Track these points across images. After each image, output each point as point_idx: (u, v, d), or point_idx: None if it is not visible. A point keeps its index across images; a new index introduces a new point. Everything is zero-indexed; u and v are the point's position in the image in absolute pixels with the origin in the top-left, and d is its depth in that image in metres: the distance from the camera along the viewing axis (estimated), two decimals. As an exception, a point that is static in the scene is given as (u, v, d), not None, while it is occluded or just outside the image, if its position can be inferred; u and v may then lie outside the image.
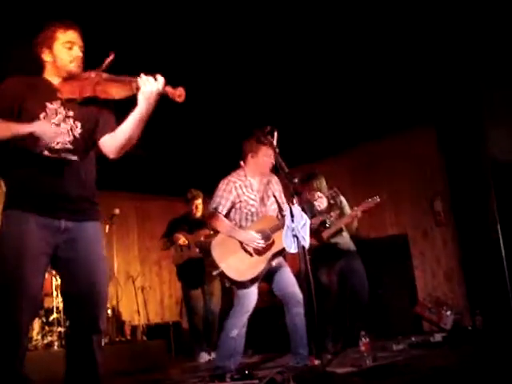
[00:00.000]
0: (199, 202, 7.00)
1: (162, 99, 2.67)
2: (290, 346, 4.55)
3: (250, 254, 4.39)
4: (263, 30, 5.27)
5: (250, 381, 2.94)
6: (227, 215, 4.53)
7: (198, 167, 8.59)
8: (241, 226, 4.53)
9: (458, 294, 7.33)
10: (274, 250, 4.42)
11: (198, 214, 6.99)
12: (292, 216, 3.71)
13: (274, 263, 4.49)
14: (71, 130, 2.75)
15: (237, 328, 4.31)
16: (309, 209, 3.94)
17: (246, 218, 4.55)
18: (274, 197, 4.67)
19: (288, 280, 4.53)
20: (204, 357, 6.67)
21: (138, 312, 8.22)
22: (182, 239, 6.78)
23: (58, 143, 2.69)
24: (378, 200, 6.01)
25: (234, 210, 4.55)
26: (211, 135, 7.39)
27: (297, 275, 4.36)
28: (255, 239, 4.37)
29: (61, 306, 6.42)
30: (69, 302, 2.79)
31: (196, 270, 6.77)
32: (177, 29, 5.08)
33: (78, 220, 2.71)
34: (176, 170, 8.55)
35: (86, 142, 2.81)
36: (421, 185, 7.75)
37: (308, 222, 3.71)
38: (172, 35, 5.15)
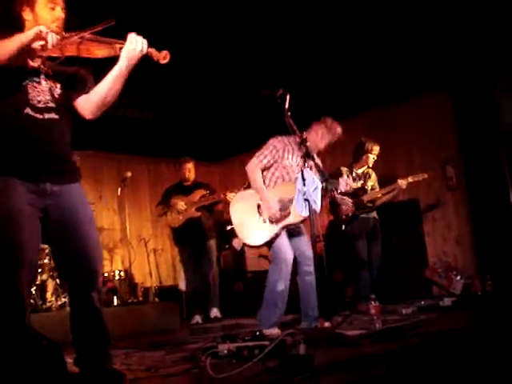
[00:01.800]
0: (190, 165, 7.19)
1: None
2: (300, 309, 4.61)
3: (263, 221, 4.46)
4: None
5: (260, 342, 2.97)
6: (265, 169, 4.67)
7: (210, 130, 8.59)
8: (270, 181, 4.65)
9: (469, 259, 7.33)
10: (288, 221, 4.47)
11: (191, 179, 7.19)
12: (303, 180, 3.71)
13: (292, 230, 4.61)
14: (51, 89, 2.74)
15: (281, 280, 4.39)
16: (320, 173, 3.92)
17: (276, 182, 4.64)
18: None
19: (303, 243, 4.65)
20: (196, 319, 6.85)
21: (150, 274, 8.32)
22: (180, 202, 6.91)
23: (40, 102, 2.66)
24: (426, 176, 6.48)
25: (272, 165, 4.66)
26: (223, 98, 7.37)
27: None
28: (273, 209, 4.44)
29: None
30: (64, 264, 2.78)
31: (194, 230, 6.94)
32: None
33: (62, 182, 2.70)
34: (188, 132, 8.55)
35: (65, 103, 2.79)
36: (433, 149, 7.70)
37: (320, 185, 3.72)
38: None
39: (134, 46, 2.59)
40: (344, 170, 6.47)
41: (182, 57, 6.18)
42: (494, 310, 4.93)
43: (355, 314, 5.52)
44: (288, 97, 4.07)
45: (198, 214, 6.88)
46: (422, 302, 5.83)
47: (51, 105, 2.71)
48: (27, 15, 2.76)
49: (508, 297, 5.63)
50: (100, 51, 2.69)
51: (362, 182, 6.51)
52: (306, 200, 3.69)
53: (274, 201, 4.47)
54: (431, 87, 7.50)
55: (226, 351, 2.99)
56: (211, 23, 5.58)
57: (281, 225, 4.45)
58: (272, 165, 4.64)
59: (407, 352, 2.86)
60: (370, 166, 6.57)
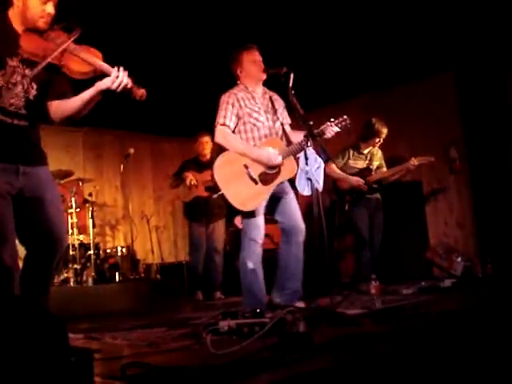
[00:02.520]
0: (206, 139, 7.06)
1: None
2: (275, 281, 4.34)
3: (255, 182, 4.09)
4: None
5: (260, 319, 2.99)
6: (234, 130, 4.27)
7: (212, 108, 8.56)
8: (247, 139, 4.26)
9: (470, 241, 7.36)
10: (280, 179, 4.17)
11: (207, 153, 7.10)
12: (306, 159, 3.70)
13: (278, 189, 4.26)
14: (26, 92, 2.76)
15: (250, 259, 4.15)
16: (323, 152, 3.87)
17: (252, 130, 4.26)
18: (279, 115, 4.43)
19: (291, 211, 4.31)
20: (198, 295, 6.89)
21: (152, 251, 8.36)
22: (191, 177, 6.90)
23: (11, 105, 2.71)
24: (433, 160, 6.49)
25: (238, 123, 4.28)
26: (226, 75, 7.34)
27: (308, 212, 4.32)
28: (273, 157, 4.07)
29: (77, 243, 6.55)
30: (32, 233, 2.87)
31: (202, 209, 6.94)
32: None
33: (33, 164, 2.83)
34: (191, 111, 8.51)
35: (40, 105, 2.84)
36: (437, 131, 7.69)
37: (322, 165, 3.71)
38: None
39: (116, 85, 2.64)
40: (351, 151, 6.45)
41: (187, 40, 6.20)
42: (493, 292, 4.95)
43: (356, 293, 5.55)
44: (292, 75, 4.04)
45: (206, 194, 6.82)
46: (423, 283, 5.86)
47: (22, 111, 2.76)
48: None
49: (508, 279, 5.66)
50: (79, 72, 2.73)
51: (367, 162, 6.49)
52: (309, 179, 3.69)
53: (269, 150, 4.11)
54: (436, 69, 7.46)
55: (226, 328, 3.01)
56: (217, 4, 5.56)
57: (274, 183, 4.15)
58: (237, 122, 4.27)
59: (407, 332, 2.89)
60: (376, 147, 6.54)
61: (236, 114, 4.25)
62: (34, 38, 2.71)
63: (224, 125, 4.20)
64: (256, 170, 4.11)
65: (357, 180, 6.26)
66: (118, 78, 2.64)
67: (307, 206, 6.32)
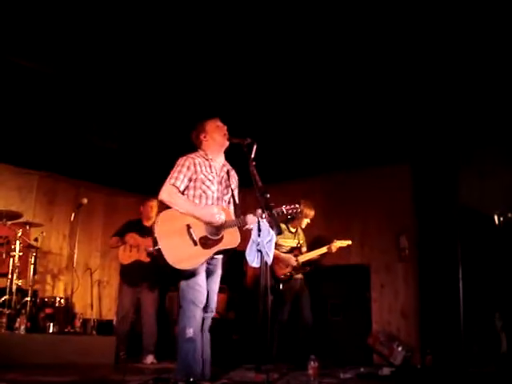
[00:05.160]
0: (153, 203, 7.02)
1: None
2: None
3: (194, 243, 4.02)
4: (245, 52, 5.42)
5: (193, 389, 2.91)
6: (182, 192, 4.23)
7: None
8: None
9: (412, 331, 7.37)
10: (220, 247, 4.10)
11: (153, 217, 6.93)
12: (259, 230, 3.70)
13: (214, 262, 4.26)
14: None
15: (190, 325, 3.96)
16: (276, 225, 3.87)
17: (200, 197, 4.24)
18: (231, 190, 4.43)
19: (211, 289, 4.25)
20: (150, 359, 6.67)
21: (92, 306, 8.10)
22: (133, 240, 6.82)
23: None
24: (350, 243, 6.60)
25: (188, 186, 4.26)
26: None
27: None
28: (217, 213, 4.05)
29: (14, 287, 6.34)
30: None
31: (138, 273, 6.81)
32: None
33: None
34: (150, 168, 8.51)
35: None
36: (390, 219, 7.83)
37: (274, 238, 3.71)
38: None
39: None
40: (282, 225, 6.51)
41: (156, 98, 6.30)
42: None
43: (294, 371, 5.47)
44: (255, 147, 4.09)
45: (148, 259, 6.69)
46: (361, 369, 5.82)
47: None
48: None
49: (445, 372, 5.67)
50: None
51: (296, 240, 6.58)
52: (259, 251, 3.67)
53: (213, 208, 4.11)
54: (395, 159, 7.70)
55: (156, 395, 2.91)
56: (184, 73, 5.69)
57: (214, 249, 4.07)
58: (188, 185, 4.26)
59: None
60: (303, 227, 6.67)
61: (189, 177, 4.25)
62: None
63: (173, 185, 4.19)
64: (198, 233, 4.05)
65: (289, 257, 6.33)
66: None
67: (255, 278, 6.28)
